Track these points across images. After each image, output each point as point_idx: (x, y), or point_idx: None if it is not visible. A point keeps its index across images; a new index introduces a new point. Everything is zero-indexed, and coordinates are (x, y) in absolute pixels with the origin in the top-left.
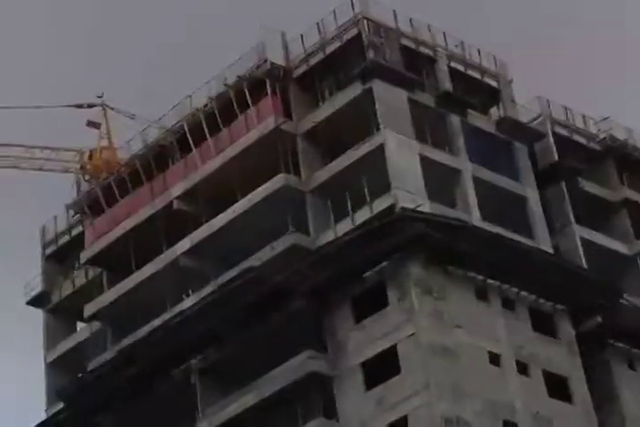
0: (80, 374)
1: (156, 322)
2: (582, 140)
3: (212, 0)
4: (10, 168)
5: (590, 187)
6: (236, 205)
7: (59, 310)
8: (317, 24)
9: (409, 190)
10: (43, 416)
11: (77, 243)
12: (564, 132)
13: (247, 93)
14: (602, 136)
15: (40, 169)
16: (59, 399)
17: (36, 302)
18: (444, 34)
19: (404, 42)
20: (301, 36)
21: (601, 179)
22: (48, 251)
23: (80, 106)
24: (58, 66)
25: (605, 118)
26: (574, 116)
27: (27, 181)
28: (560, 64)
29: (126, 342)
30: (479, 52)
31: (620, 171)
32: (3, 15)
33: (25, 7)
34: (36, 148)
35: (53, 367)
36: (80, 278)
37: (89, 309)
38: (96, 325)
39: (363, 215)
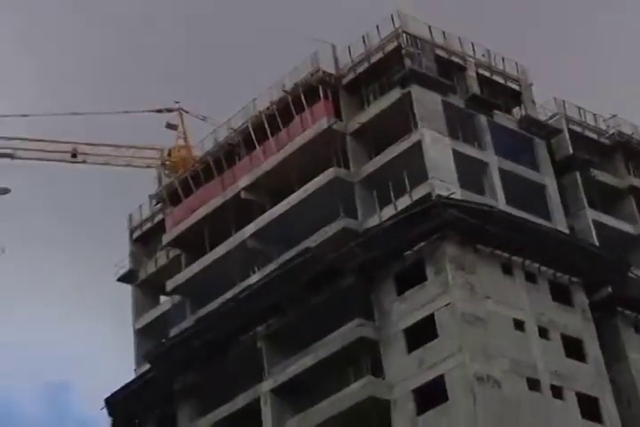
0: (163, 340)
1: (227, 295)
2: (593, 136)
3: (270, 16)
4: (102, 165)
5: (601, 176)
6: (293, 194)
7: (144, 286)
8: (363, 37)
9: (443, 180)
10: (132, 376)
11: (159, 228)
12: (577, 128)
13: (303, 98)
14: (611, 132)
15: (127, 165)
16: (145, 361)
17: (125, 278)
18: (472, 44)
19: (438, 52)
20: (349, 48)
21: (610, 169)
22: (135, 235)
23: (160, 111)
24: (140, 75)
25: (614, 116)
26: (586, 114)
27: (116, 175)
28: (574, 68)
29: (202, 312)
30: (503, 59)
31: (627, 162)
32: (96, 30)
33: (111, 22)
34: (123, 147)
35: (141, 334)
36: (162, 258)
37: (170, 284)
38: (176, 298)
39: (403, 202)
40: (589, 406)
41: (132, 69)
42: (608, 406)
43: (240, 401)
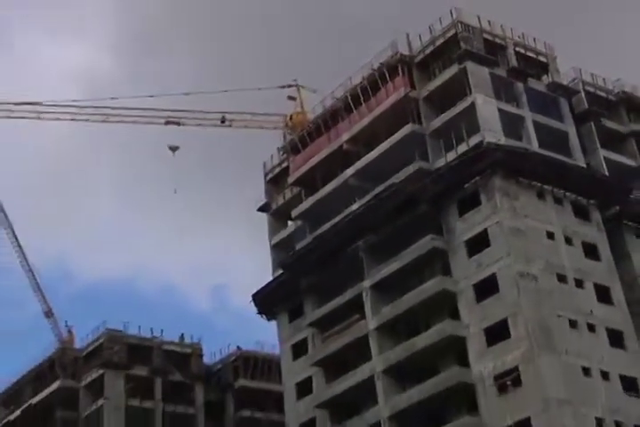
0: (290, 252)
1: (336, 219)
2: (603, 94)
3: (361, 12)
4: (243, 128)
5: (609, 124)
6: (381, 144)
7: (276, 214)
8: (429, 27)
9: (492, 130)
10: (270, 278)
11: (285, 172)
12: (591, 89)
13: (387, 73)
14: (616, 91)
15: (261, 127)
16: (279, 268)
17: (262, 209)
18: (510, 29)
19: (485, 36)
20: (419, 35)
21: (616, 118)
22: (268, 178)
23: (283, 86)
24: (268, 60)
25: (618, 80)
26: (597, 78)
27: (253, 135)
28: (589, 44)
29: (317, 232)
30: (534, 40)
31: (629, 113)
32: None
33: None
34: (258, 114)
35: (275, 249)
36: (288, 194)
37: (294, 212)
38: (299, 222)
39: (462, 148)
40: (603, 294)
41: (263, 56)
42: (617, 293)
43: (348, 295)
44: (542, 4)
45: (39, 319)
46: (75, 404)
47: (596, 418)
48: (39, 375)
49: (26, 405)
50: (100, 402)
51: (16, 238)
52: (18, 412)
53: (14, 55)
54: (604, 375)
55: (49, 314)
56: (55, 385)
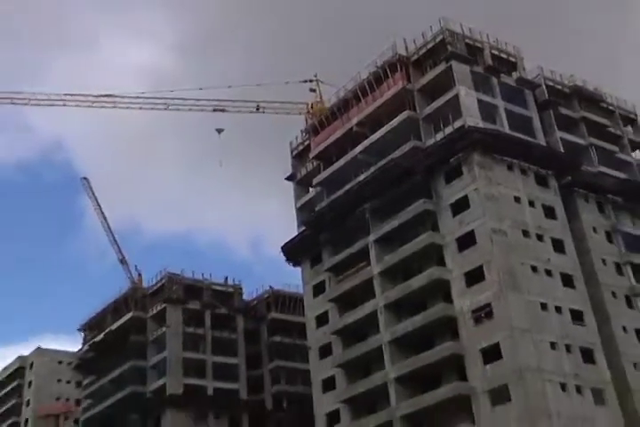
0: (312, 213)
1: (347, 186)
2: (559, 87)
3: (367, 19)
4: (274, 113)
5: (565, 111)
6: (384, 127)
7: (300, 182)
8: (422, 33)
9: (472, 116)
10: (295, 233)
11: (307, 149)
12: (550, 83)
13: (388, 70)
14: (570, 84)
15: (288, 113)
16: (302, 225)
17: (289, 178)
18: (487, 35)
19: (467, 40)
20: (414, 40)
21: (570, 106)
22: (294, 153)
23: (306, 81)
24: (296, 59)
25: (572, 75)
26: (555, 74)
27: (282, 119)
28: (550, 47)
29: (333, 197)
30: (505, 43)
31: (580, 102)
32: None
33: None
34: (286, 102)
35: (299, 210)
36: (309, 166)
37: (315, 181)
38: (318, 189)
39: (449, 130)
40: (558, 245)
41: (290, 56)
42: (569, 245)
43: (357, 246)
44: (516, 8)
45: (116, 266)
46: (144, 330)
47: (551, 342)
48: (116, 308)
49: (107, 330)
50: (163, 329)
51: (98, 204)
52: (101, 335)
53: (98, 55)
54: (558, 309)
55: (123, 261)
56: (128, 316)
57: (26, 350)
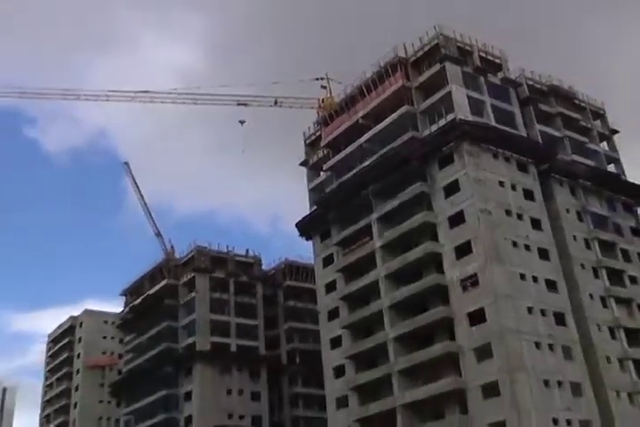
0: (322, 194)
1: (353, 171)
2: (539, 86)
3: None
4: (289, 107)
5: (543, 107)
6: (386, 119)
7: (312, 167)
8: (420, 38)
9: (462, 110)
10: (307, 212)
11: (318, 138)
12: (531, 82)
13: (389, 70)
14: (548, 83)
15: (301, 107)
16: (314, 205)
17: (302, 164)
18: (476, 39)
19: (458, 44)
20: (412, 44)
21: (548, 103)
22: (307, 142)
23: (317, 79)
24: (308, 59)
25: (549, 75)
26: (535, 74)
27: (296, 113)
28: (532, 50)
29: (341, 180)
30: (492, 46)
31: (556, 99)
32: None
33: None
34: (300, 97)
35: (312, 191)
36: (320, 154)
37: (325, 166)
38: (328, 173)
39: (442, 122)
40: (536, 223)
41: (304, 56)
42: (545, 224)
43: (361, 223)
44: (498, 19)
45: (152, 239)
46: (176, 295)
47: (528, 307)
48: (153, 276)
49: (144, 295)
50: (192, 295)
51: (137, 185)
52: (140, 299)
53: (137, 57)
54: (534, 279)
55: (158, 235)
56: (163, 283)
57: (76, 311)
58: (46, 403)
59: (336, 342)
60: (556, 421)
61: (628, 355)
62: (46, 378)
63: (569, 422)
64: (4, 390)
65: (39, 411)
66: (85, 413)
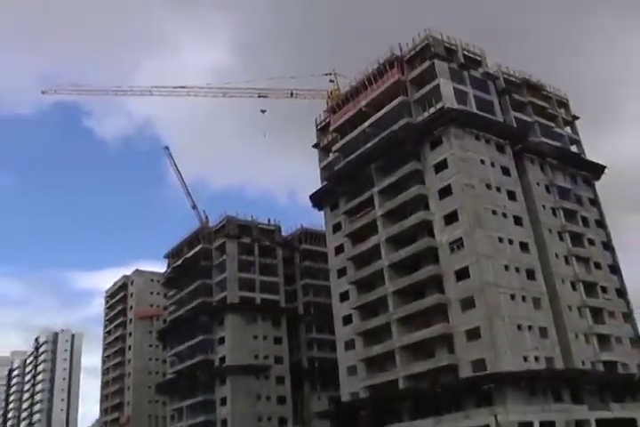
0: (331, 172)
1: (358, 152)
2: (513, 79)
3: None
4: (303, 98)
5: (517, 97)
6: (384, 108)
7: (323, 149)
8: (412, 39)
9: (449, 100)
10: (319, 186)
11: (328, 124)
12: (506, 76)
13: (387, 66)
14: (521, 77)
15: (314, 98)
16: (324, 181)
17: (315, 146)
18: (460, 40)
19: (445, 44)
20: (406, 44)
21: (521, 93)
22: (318, 127)
23: (326, 74)
24: (318, 57)
25: (521, 70)
26: (510, 69)
27: (309, 103)
28: (507, 49)
29: (347, 159)
30: (474, 46)
31: (527, 90)
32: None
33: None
34: (312, 90)
35: (322, 169)
36: (329, 137)
37: (334, 148)
38: (337, 154)
39: (432, 110)
40: (512, 195)
41: (315, 55)
42: (519, 195)
43: (365, 196)
44: (477, 21)
45: (190, 210)
46: (210, 257)
47: (504, 265)
48: (190, 241)
49: (184, 257)
50: (223, 257)
51: (176, 165)
52: (180, 261)
53: (175, 57)
54: (510, 242)
55: (194, 207)
56: (199, 247)
57: (128, 271)
58: (106, 346)
59: (344, 296)
60: (526, 358)
61: (585, 304)
62: (105, 326)
63: (537, 358)
64: (73, 336)
65: (101, 352)
66: (137, 354)
